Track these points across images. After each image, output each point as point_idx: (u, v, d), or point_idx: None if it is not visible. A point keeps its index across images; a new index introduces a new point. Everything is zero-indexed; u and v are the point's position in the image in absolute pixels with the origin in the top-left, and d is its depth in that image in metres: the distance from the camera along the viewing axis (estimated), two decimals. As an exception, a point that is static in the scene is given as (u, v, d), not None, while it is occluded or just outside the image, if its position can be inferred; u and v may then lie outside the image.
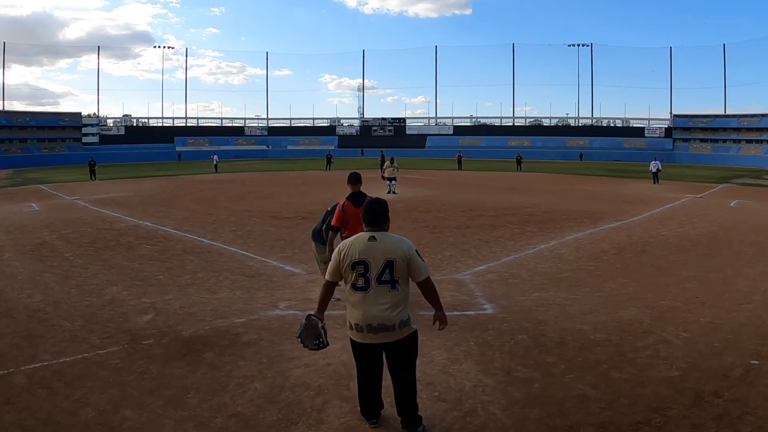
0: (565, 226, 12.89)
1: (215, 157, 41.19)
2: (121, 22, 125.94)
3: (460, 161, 42.06)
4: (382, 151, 23.75)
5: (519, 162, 40.42)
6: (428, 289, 3.49)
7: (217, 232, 12.27)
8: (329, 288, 3.56)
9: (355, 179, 6.53)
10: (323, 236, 6.78)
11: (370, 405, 3.65)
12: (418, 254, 3.46)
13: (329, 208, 6.92)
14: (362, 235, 3.48)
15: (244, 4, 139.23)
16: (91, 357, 5.01)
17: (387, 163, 21.62)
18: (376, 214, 3.52)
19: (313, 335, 3.50)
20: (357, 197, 6.27)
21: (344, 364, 4.71)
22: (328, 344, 3.53)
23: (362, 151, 29.03)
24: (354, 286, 3.41)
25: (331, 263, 3.52)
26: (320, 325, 3.51)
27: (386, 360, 3.53)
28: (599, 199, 19.64)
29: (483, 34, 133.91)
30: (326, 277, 3.56)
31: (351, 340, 3.52)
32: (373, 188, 20.93)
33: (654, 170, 27.68)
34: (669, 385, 4.33)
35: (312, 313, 3.54)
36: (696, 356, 4.93)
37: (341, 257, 3.44)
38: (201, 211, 16.07)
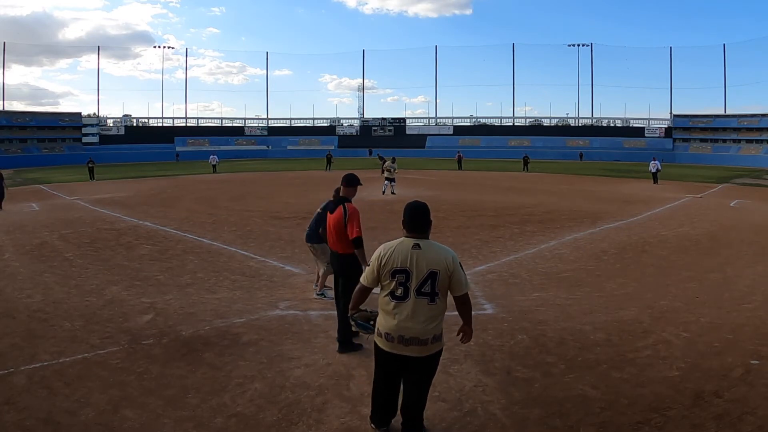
0: (565, 226, 12.89)
1: (214, 157, 39.45)
2: (121, 22, 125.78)
3: (460, 161, 42.00)
4: (378, 154, 23.60)
5: (526, 162, 39.87)
6: (465, 304, 3.32)
7: (217, 232, 12.27)
8: (365, 292, 3.42)
9: (351, 181, 5.51)
10: (318, 236, 6.72)
11: (383, 414, 3.53)
12: (461, 266, 3.26)
13: (319, 209, 6.74)
14: (405, 242, 3.28)
15: (244, 4, 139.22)
16: (91, 357, 5.01)
17: (388, 163, 21.63)
18: (419, 219, 3.30)
19: (366, 320, 3.49)
20: (335, 202, 5.49)
21: (344, 364, 4.71)
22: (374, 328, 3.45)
23: (370, 150, 28.84)
24: (392, 295, 3.23)
25: (368, 268, 3.36)
26: (367, 311, 3.49)
27: (405, 370, 3.37)
28: (599, 199, 19.64)
29: (483, 34, 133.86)
30: (362, 281, 3.39)
31: (377, 346, 3.38)
32: (374, 188, 20.96)
33: (653, 170, 27.69)
34: (669, 385, 4.34)
35: (352, 313, 3.51)
36: (696, 356, 4.94)
37: (381, 263, 3.26)
38: (201, 211, 16.07)
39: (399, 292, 3.21)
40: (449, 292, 3.28)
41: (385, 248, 3.31)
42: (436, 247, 3.28)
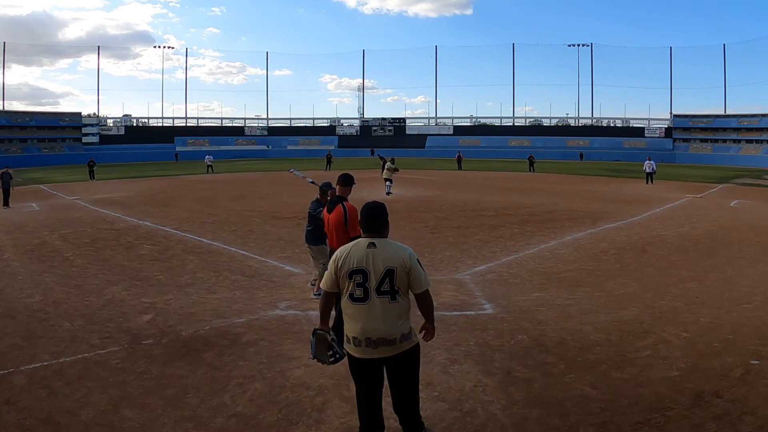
0: (565, 226, 12.90)
1: (210, 157, 39.07)
2: (121, 22, 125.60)
3: (459, 161, 41.96)
4: (379, 154, 23.42)
5: (531, 163, 39.34)
6: (425, 301, 3.26)
7: (217, 232, 12.28)
8: (329, 299, 3.34)
9: (347, 181, 5.65)
10: (311, 237, 6.78)
11: (371, 425, 3.35)
12: (419, 263, 3.22)
13: (309, 209, 6.92)
14: (361, 242, 3.25)
15: (244, 4, 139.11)
16: (91, 357, 5.01)
17: (388, 164, 21.63)
18: (374, 219, 3.28)
19: (325, 349, 3.32)
20: (332, 202, 5.59)
21: (344, 364, 4.69)
22: (344, 354, 3.31)
23: (372, 150, 28.74)
24: (352, 297, 3.17)
25: (327, 272, 3.30)
26: (329, 337, 3.32)
27: (387, 376, 3.29)
28: (599, 199, 19.64)
29: (483, 34, 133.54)
30: (323, 287, 3.33)
31: (349, 356, 3.27)
32: (373, 188, 20.95)
33: (648, 170, 27.58)
34: (669, 385, 4.33)
35: (316, 327, 3.35)
36: (696, 356, 4.93)
37: (338, 265, 3.21)
38: (201, 211, 16.07)
39: (359, 293, 3.15)
40: (410, 291, 3.23)
41: (341, 251, 3.28)
42: (392, 244, 3.24)
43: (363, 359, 3.21)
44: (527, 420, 3.83)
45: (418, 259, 3.23)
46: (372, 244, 3.20)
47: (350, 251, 3.23)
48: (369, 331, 3.14)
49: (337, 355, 3.33)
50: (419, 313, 3.33)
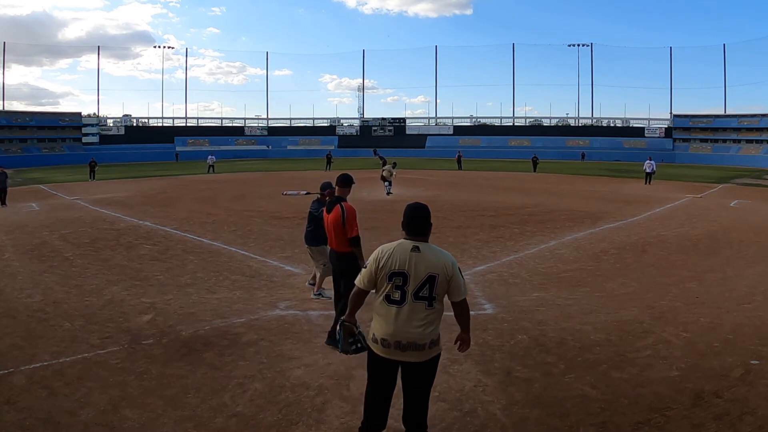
0: (565, 226, 12.90)
1: (212, 157, 39.17)
2: (121, 22, 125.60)
3: (459, 161, 41.93)
4: (379, 154, 23.22)
5: (535, 163, 38.92)
6: (463, 310, 3.22)
7: (217, 232, 12.28)
8: (361, 296, 3.27)
9: (346, 181, 5.59)
10: (311, 238, 6.81)
11: (376, 422, 3.32)
12: (460, 271, 3.17)
13: (310, 209, 6.92)
14: (404, 244, 3.17)
15: (244, 4, 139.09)
16: (91, 357, 5.01)
17: (388, 166, 21.61)
18: (419, 221, 3.21)
19: (349, 339, 3.32)
20: (331, 202, 5.57)
21: (344, 364, 4.71)
22: (367, 347, 3.28)
23: (375, 150, 28.51)
24: (388, 299, 3.12)
25: (365, 270, 3.22)
26: (356, 329, 3.31)
27: (403, 377, 3.23)
28: (599, 199, 19.64)
29: (483, 34, 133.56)
30: (358, 284, 3.24)
31: (371, 353, 3.23)
32: (373, 188, 20.96)
33: (649, 170, 27.61)
34: (669, 385, 4.34)
35: (344, 318, 3.33)
36: (696, 356, 4.93)
37: (379, 265, 3.13)
38: (201, 211, 16.07)
39: (396, 295, 3.10)
40: (447, 298, 3.19)
41: (383, 250, 3.20)
42: (435, 250, 3.19)
43: (386, 359, 3.16)
44: (527, 420, 3.83)
45: (459, 268, 3.19)
46: (416, 248, 3.13)
47: (393, 252, 3.15)
48: (400, 335, 3.09)
49: (359, 344, 3.32)
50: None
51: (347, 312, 3.33)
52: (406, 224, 3.24)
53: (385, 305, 3.14)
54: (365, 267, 3.25)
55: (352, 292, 3.33)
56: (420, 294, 3.09)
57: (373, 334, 3.19)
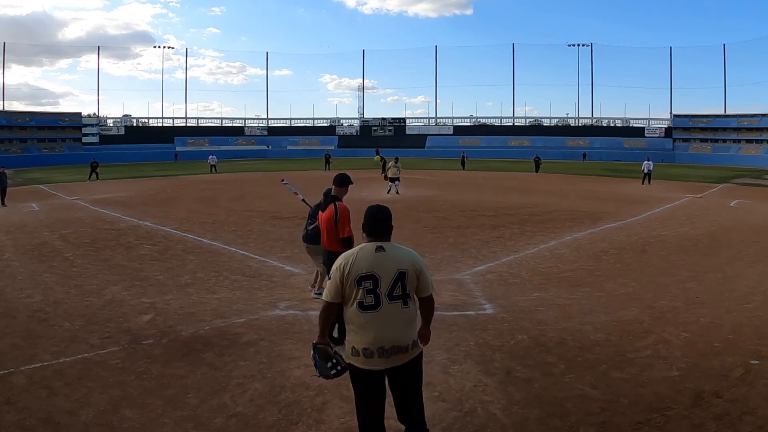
0: (565, 226, 12.89)
1: (213, 157, 38.99)
2: (121, 22, 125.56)
3: (464, 161, 41.76)
4: (380, 155, 23.11)
5: (537, 163, 38.23)
6: (429, 305, 3.16)
7: (217, 232, 12.28)
8: (331, 310, 3.08)
9: (342, 181, 5.61)
10: (310, 237, 6.78)
11: None
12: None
13: (312, 210, 6.88)
14: (366, 247, 3.07)
15: (244, 4, 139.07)
16: (91, 357, 5.01)
17: (391, 163, 21.55)
18: (380, 223, 3.12)
19: (327, 362, 3.15)
20: (327, 202, 5.60)
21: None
22: (347, 366, 3.11)
23: (377, 150, 28.79)
24: (361, 306, 2.96)
25: (330, 282, 3.05)
26: (331, 351, 3.15)
27: (391, 384, 3.10)
28: (599, 199, 19.64)
29: (483, 34, 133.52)
30: (326, 298, 3.06)
31: (353, 368, 3.04)
32: (373, 188, 20.96)
33: (646, 171, 27.63)
34: (669, 385, 4.34)
35: (316, 342, 3.15)
36: (696, 356, 4.94)
37: (344, 272, 2.97)
38: (201, 211, 16.07)
39: (369, 300, 2.96)
40: (416, 294, 3.10)
41: (345, 257, 3.06)
42: (399, 248, 3.11)
43: (371, 371, 3.00)
44: (527, 420, 3.83)
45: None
46: (380, 248, 3.04)
47: (357, 256, 3.03)
48: (382, 340, 2.96)
49: (339, 367, 3.16)
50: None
51: (319, 333, 3.15)
52: (367, 226, 3.14)
53: (359, 313, 2.98)
54: (329, 278, 3.09)
55: (321, 309, 3.15)
56: (394, 293, 2.98)
57: (353, 347, 3.02)
